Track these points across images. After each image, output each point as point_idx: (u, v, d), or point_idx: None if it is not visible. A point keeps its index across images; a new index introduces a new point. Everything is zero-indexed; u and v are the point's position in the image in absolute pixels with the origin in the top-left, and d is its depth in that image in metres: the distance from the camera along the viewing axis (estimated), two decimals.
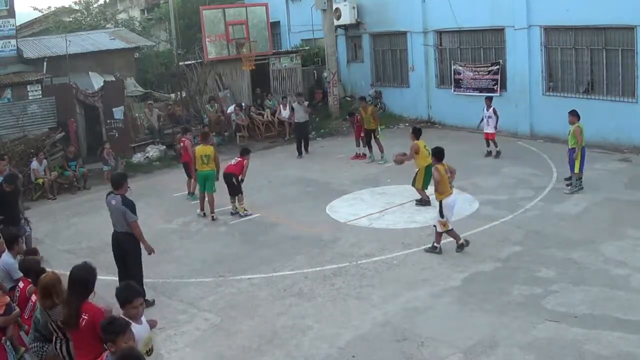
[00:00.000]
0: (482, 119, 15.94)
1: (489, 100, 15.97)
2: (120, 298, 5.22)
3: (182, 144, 14.52)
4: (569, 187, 12.69)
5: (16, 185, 10.67)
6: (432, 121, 21.18)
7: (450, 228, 9.84)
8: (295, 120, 18.14)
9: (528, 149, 16.79)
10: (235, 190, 12.60)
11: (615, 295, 8.05)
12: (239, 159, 12.71)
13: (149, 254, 8.89)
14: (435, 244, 9.94)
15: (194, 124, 19.23)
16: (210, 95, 20.72)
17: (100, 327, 4.91)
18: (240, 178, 12.61)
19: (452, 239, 9.96)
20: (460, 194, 12.99)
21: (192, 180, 13.94)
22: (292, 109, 18.61)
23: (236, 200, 12.70)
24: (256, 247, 10.89)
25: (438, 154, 10.05)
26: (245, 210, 12.67)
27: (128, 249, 8.72)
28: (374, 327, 7.74)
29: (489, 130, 15.80)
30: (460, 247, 9.88)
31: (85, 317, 5.33)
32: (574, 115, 12.64)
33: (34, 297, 6.54)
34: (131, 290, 5.29)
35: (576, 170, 12.51)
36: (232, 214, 12.78)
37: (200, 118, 20.11)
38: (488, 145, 16.06)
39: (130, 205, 8.57)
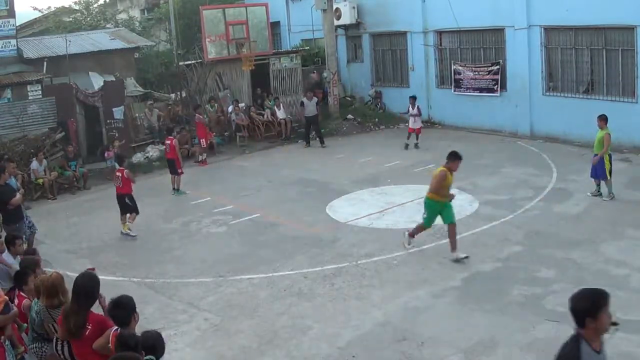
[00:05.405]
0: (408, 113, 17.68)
1: (412, 99, 17.62)
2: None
3: (169, 142, 14.76)
4: (609, 194, 11.94)
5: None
6: (432, 121, 21.13)
7: None
8: (305, 115, 19.43)
9: (528, 149, 16.79)
10: (129, 208, 11.93)
11: (615, 295, 7.96)
12: (119, 173, 11.91)
13: None
14: None
15: (194, 124, 19.22)
16: (210, 95, 20.71)
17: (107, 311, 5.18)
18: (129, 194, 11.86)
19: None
20: (460, 194, 13.05)
21: (178, 176, 14.76)
22: (302, 104, 19.68)
23: (127, 218, 11.92)
24: (256, 247, 10.89)
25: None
26: (129, 229, 11.83)
27: None
28: (374, 327, 7.74)
29: (415, 125, 17.45)
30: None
31: (89, 327, 5.27)
32: (603, 119, 11.98)
33: None
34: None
35: (608, 177, 11.94)
36: (122, 233, 11.94)
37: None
38: (408, 137, 17.63)
39: None
